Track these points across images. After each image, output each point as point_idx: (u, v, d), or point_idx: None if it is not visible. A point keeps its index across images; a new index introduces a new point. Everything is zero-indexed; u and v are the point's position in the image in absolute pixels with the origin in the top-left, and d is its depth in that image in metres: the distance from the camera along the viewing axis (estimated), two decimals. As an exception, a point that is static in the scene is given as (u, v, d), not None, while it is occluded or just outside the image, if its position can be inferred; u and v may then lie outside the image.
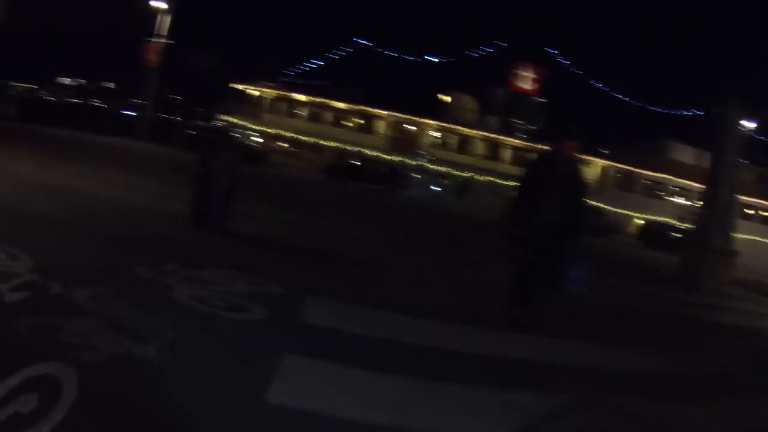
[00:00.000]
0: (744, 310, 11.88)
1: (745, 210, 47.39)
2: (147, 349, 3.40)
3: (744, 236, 46.33)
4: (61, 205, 7.79)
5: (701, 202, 16.68)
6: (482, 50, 58.26)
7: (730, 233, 15.39)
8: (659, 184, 46.98)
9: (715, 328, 9.12)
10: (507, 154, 47.64)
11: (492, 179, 43.87)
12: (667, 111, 58.65)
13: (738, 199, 17.12)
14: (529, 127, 53.49)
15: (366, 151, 42.92)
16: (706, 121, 50.72)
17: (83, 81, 79.37)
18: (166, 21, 34.06)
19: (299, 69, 53.67)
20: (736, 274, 15.85)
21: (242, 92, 48.68)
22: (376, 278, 7.19)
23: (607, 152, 49.60)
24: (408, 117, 46.94)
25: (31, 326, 3.40)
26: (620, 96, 59.35)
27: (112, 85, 74.98)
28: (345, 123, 47.14)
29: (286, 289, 5.43)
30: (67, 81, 79.99)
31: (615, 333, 6.91)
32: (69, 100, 51.19)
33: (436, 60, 57.94)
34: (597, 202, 43.17)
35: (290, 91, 47.73)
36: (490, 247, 13.53)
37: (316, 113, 47.71)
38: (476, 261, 10.89)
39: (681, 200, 46.49)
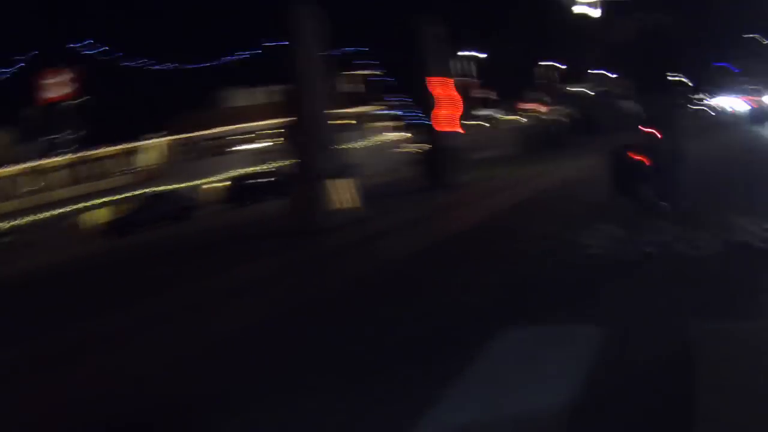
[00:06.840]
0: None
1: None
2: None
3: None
4: None
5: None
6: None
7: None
8: (222, 138, 45.71)
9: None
10: (59, 176, 42.46)
11: (56, 212, 39.14)
12: (209, 63, 57.38)
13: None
14: (78, 134, 48.83)
15: None
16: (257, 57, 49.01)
17: None
18: None
19: None
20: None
21: None
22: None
23: (166, 131, 47.67)
24: None
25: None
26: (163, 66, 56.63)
27: None
28: None
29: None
30: None
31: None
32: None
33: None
34: (164, 185, 39.57)
35: None
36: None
37: None
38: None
39: (263, 144, 44.22)
